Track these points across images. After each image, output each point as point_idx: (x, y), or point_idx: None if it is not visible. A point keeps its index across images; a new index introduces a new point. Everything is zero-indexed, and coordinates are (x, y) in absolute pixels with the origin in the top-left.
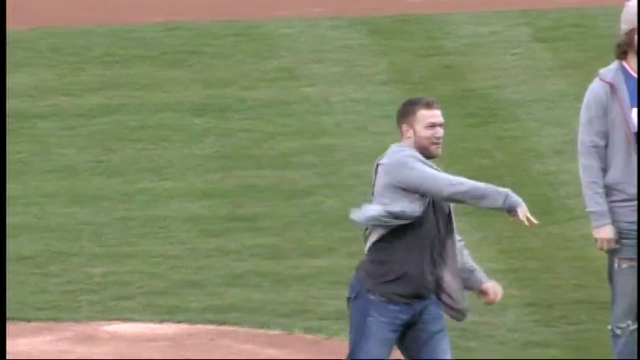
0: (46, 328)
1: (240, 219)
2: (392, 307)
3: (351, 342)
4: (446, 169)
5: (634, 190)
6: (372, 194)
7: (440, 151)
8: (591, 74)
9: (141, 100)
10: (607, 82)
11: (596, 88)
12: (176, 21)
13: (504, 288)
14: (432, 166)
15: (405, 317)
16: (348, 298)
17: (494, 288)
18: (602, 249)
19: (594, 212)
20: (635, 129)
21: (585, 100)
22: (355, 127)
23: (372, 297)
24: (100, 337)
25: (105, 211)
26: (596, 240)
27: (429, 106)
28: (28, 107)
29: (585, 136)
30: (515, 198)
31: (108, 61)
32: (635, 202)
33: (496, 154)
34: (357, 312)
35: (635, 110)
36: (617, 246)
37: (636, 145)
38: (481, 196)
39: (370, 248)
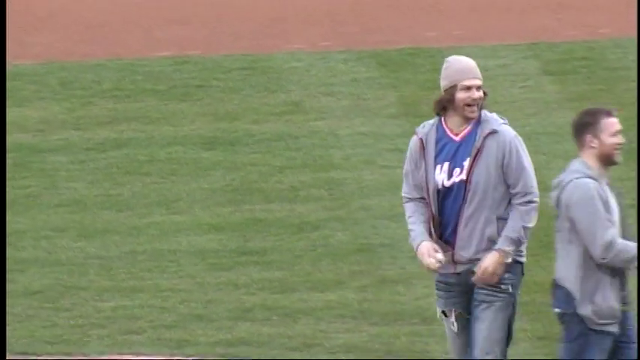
0: None
1: (248, 253)
2: None
3: None
4: None
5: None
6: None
7: (620, 157)
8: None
9: (150, 134)
10: (419, 138)
11: (411, 142)
12: (185, 55)
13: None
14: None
15: None
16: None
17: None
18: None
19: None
20: (440, 186)
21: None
22: (363, 160)
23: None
24: None
25: (114, 245)
26: None
27: (610, 114)
28: (37, 141)
29: (404, 187)
30: None
31: (117, 95)
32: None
33: None
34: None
35: (439, 167)
36: (437, 265)
37: (437, 202)
38: None
39: None
